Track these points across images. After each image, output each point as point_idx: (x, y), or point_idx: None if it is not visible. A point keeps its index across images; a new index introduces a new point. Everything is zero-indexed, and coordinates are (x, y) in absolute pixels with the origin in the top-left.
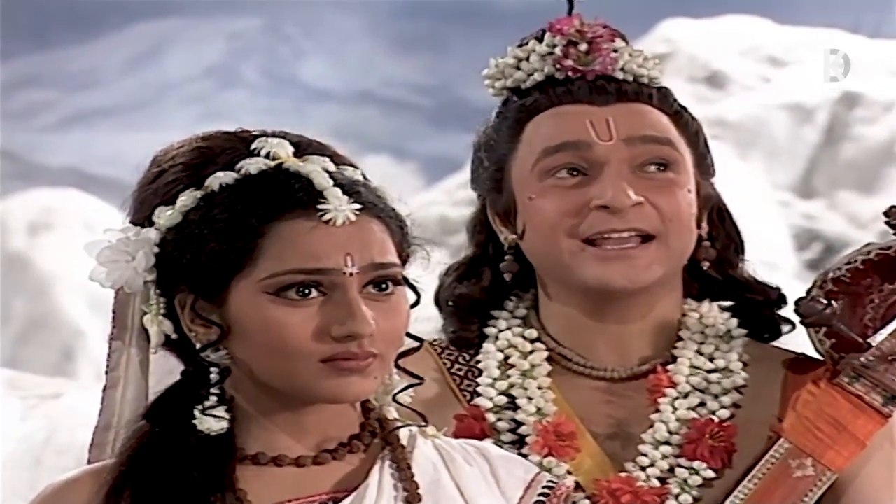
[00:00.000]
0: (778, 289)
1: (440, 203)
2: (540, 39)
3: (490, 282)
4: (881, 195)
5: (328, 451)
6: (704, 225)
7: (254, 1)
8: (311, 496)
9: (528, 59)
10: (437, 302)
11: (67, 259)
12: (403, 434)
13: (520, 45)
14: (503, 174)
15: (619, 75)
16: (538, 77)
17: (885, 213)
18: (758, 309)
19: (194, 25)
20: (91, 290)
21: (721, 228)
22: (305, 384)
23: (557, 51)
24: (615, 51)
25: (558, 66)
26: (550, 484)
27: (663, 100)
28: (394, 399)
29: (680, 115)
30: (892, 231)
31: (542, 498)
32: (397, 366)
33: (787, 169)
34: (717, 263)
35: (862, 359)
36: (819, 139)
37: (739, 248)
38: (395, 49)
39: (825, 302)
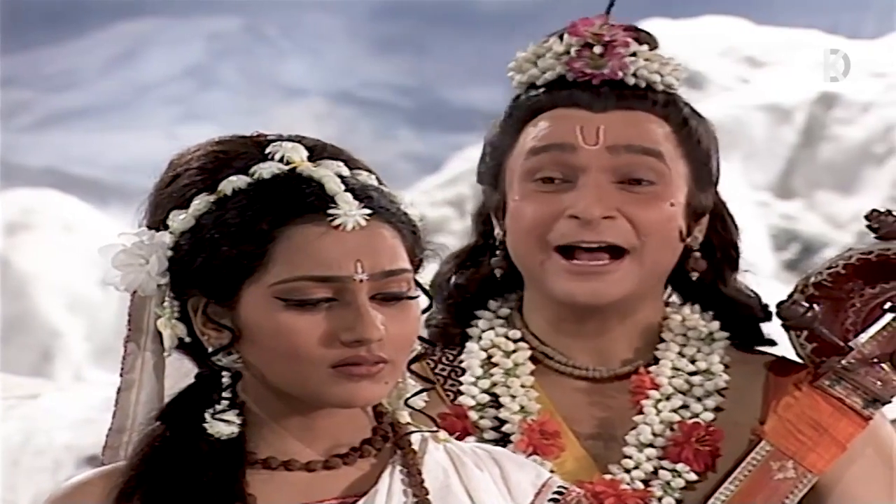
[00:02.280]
0: (765, 306)
1: (419, 204)
2: (562, 37)
3: (490, 272)
4: (859, 196)
5: (339, 455)
6: (697, 235)
7: (233, 1)
8: (320, 501)
9: (544, 56)
10: (433, 289)
11: (46, 260)
12: (415, 439)
13: (544, 41)
14: (500, 171)
15: (630, 80)
16: (549, 76)
17: (867, 217)
18: (740, 322)
19: (173, 25)
20: (69, 291)
21: (719, 239)
22: (315, 389)
23: (572, 52)
24: (633, 54)
25: (569, 67)
26: (561, 489)
27: (669, 108)
28: (405, 403)
29: (684, 125)
30: (873, 234)
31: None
32: (409, 370)
33: (765, 169)
34: (706, 273)
35: (843, 362)
36: (797, 140)
37: (733, 262)
38: (374, 50)
39: (806, 305)
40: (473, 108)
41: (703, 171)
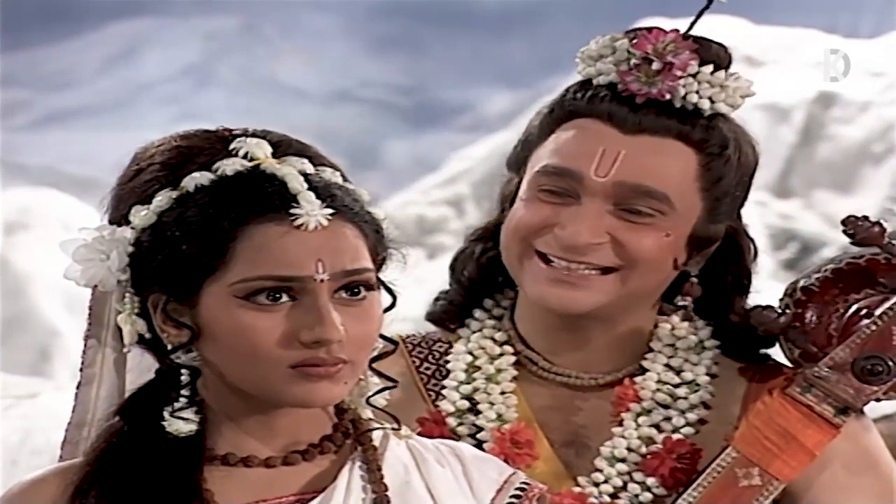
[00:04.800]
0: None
1: (417, 203)
2: (631, 40)
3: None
4: (857, 195)
5: (298, 452)
6: (699, 260)
7: (230, 1)
8: (278, 497)
9: (606, 57)
10: (454, 265)
11: (44, 259)
12: (376, 435)
13: (614, 39)
14: (524, 163)
15: (678, 104)
16: (603, 80)
17: (843, 223)
18: (740, 339)
19: (170, 25)
20: (68, 290)
21: (731, 265)
22: (274, 389)
23: (631, 63)
24: (692, 76)
25: (621, 78)
26: (523, 486)
27: (709, 133)
28: (367, 401)
29: (718, 155)
30: (849, 241)
31: (513, 500)
32: (371, 368)
33: (763, 169)
34: (714, 299)
35: (814, 369)
36: (795, 139)
37: (743, 289)
38: (372, 49)
39: (779, 311)
40: (471, 108)
41: (721, 204)
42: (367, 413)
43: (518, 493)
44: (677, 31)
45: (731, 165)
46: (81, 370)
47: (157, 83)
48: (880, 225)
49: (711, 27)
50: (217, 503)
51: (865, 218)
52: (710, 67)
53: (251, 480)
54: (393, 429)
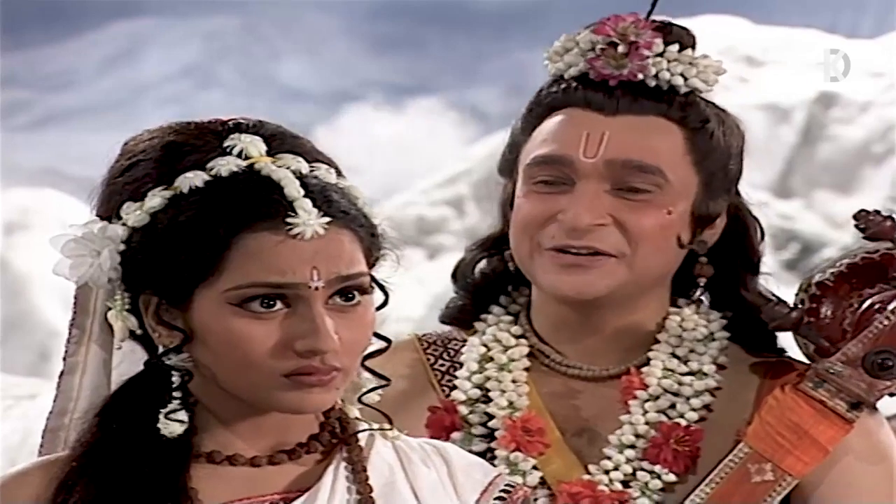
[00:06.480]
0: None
1: (417, 203)
2: (593, 30)
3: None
4: (858, 195)
5: (284, 451)
6: (705, 240)
7: (230, 1)
8: (262, 496)
9: (572, 50)
10: (455, 274)
11: (44, 259)
12: (363, 434)
13: (577, 33)
14: (515, 165)
15: (651, 83)
16: (573, 72)
17: (855, 217)
18: (756, 326)
19: (171, 25)
20: (67, 291)
21: (736, 243)
22: (266, 395)
23: (596, 49)
24: (659, 55)
25: (590, 65)
26: (508, 487)
27: (688, 110)
28: (360, 400)
29: (701, 129)
30: (861, 235)
31: (498, 502)
32: (364, 366)
33: (764, 169)
34: (726, 280)
35: (827, 364)
36: (796, 139)
37: (752, 266)
38: (372, 49)
39: (791, 306)
40: (471, 108)
41: (716, 178)
42: (355, 411)
43: (503, 494)
44: (636, 14)
45: (718, 139)
46: (65, 359)
47: (157, 83)
48: (892, 219)
49: (712, 27)
50: (201, 501)
51: (877, 212)
52: (676, 46)
53: (236, 478)
54: (381, 429)
